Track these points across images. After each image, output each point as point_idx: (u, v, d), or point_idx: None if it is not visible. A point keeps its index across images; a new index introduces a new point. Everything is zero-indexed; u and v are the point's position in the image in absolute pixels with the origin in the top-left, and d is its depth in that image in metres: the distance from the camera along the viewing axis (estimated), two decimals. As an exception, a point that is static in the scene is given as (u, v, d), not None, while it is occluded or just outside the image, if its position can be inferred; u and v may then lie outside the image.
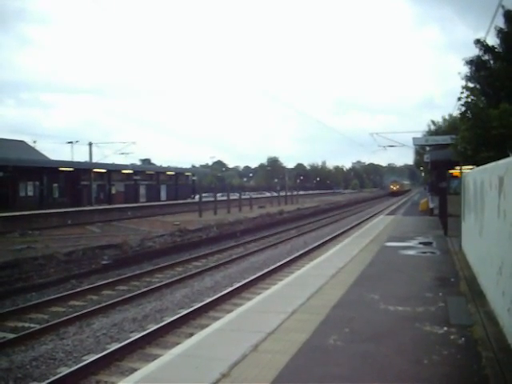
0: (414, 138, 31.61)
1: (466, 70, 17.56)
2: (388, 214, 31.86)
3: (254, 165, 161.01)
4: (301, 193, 77.02)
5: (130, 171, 53.69)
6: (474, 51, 17.55)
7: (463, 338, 5.58)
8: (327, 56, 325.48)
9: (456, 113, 22.98)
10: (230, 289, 12.19)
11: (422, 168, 55.21)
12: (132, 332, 9.13)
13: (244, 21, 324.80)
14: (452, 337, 5.65)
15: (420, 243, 14.73)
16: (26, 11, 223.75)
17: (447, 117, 39.89)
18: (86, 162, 52.23)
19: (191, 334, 7.72)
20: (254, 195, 64.84)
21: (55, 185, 45.24)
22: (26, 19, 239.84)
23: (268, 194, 77.38)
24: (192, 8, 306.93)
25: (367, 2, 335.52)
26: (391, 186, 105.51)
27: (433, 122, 44.77)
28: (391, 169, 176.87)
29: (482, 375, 4.55)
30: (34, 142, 59.17)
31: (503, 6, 16.13)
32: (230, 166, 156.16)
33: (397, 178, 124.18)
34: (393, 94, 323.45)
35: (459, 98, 15.78)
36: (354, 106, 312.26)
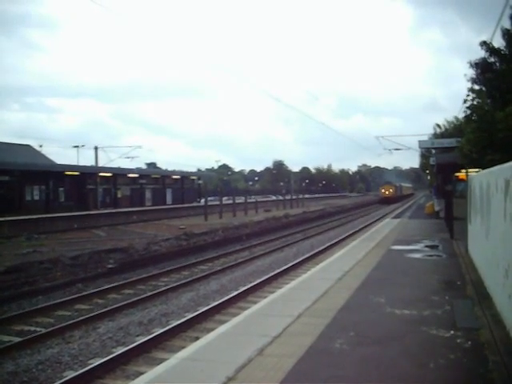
0: (419, 141, 31.61)
1: (471, 72, 17.51)
2: (394, 218, 31.77)
3: (259, 168, 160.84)
4: (306, 196, 76.95)
5: (136, 175, 53.81)
6: (478, 54, 17.49)
7: (470, 342, 5.55)
8: (331, 59, 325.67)
9: (461, 115, 22.95)
10: (236, 292, 12.19)
11: (427, 171, 55.05)
12: (138, 336, 9.15)
13: (248, 24, 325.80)
14: (458, 340, 5.62)
15: (426, 246, 14.67)
16: (30, 16, 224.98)
17: (453, 119, 39.78)
18: (91, 166, 52.33)
19: (197, 338, 7.73)
20: (260, 199, 64.92)
21: (61, 189, 45.38)
22: (30, 24, 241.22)
23: (274, 198, 77.42)
24: (195, 10, 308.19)
25: (371, 5, 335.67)
26: (382, 191, 77.83)
27: (438, 125, 44.66)
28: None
29: (489, 379, 4.52)
30: (41, 146, 59.37)
31: (511, 7, 16.05)
32: (236, 169, 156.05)
33: (392, 179, 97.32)
34: (397, 96, 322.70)
35: (465, 101, 15.75)
36: (358, 108, 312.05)
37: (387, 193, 75.62)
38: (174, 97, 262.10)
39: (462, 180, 16.35)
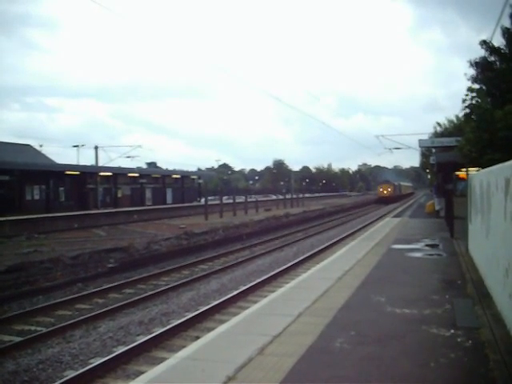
0: (419, 140, 31.64)
1: (471, 71, 17.52)
2: (394, 217, 31.75)
3: (259, 168, 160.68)
4: (306, 195, 76.91)
5: (136, 174, 53.79)
6: (478, 53, 17.53)
7: (470, 341, 5.55)
8: (331, 59, 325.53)
9: (461, 115, 22.95)
10: (236, 292, 12.18)
11: (428, 170, 55.08)
12: (138, 335, 9.15)
13: (248, 24, 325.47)
14: (459, 339, 5.62)
15: (426, 245, 14.67)
16: (30, 16, 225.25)
17: (453, 117, 39.85)
18: (92, 166, 52.34)
19: (197, 337, 7.73)
20: (260, 198, 64.91)
21: (61, 188, 45.36)
22: (30, 24, 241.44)
23: (274, 197, 77.43)
24: (196, 10, 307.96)
25: (371, 5, 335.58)
26: (380, 190, 73.68)
27: (438, 123, 44.74)
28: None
29: (490, 378, 4.53)
30: (41, 146, 59.66)
31: (511, 6, 16.07)
32: (236, 168, 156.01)
33: (392, 178, 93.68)
34: (397, 96, 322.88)
35: (464, 100, 15.77)
36: (358, 108, 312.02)
37: (385, 192, 71.66)
38: (174, 97, 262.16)
39: (463, 179, 16.37)
